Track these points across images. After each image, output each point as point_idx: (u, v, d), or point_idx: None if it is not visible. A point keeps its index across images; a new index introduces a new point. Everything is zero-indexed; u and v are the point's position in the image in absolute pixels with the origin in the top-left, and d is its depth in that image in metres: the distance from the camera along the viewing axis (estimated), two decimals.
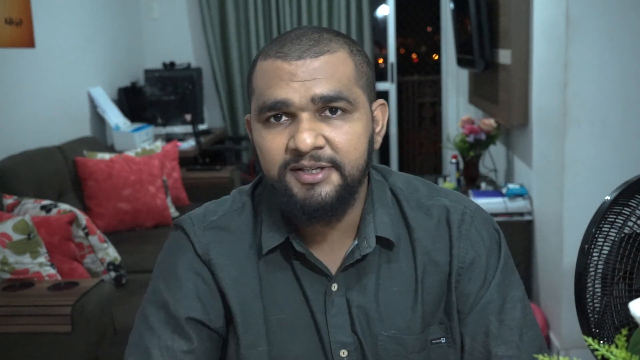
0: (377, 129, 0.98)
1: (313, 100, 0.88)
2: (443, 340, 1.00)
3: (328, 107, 0.90)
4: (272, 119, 0.91)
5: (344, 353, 0.98)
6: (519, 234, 3.07)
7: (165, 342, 0.98)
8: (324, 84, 0.89)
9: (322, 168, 0.90)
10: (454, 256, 0.99)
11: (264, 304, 0.99)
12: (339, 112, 0.90)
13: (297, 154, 0.89)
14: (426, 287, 1.00)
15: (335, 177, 0.91)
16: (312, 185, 0.90)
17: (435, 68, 5.81)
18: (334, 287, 0.98)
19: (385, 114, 1.00)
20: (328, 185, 0.91)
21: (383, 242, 0.99)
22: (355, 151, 0.91)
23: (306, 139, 0.88)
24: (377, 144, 0.99)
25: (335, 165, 0.90)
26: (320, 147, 0.89)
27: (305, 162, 0.89)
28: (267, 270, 1.00)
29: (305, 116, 0.89)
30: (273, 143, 0.91)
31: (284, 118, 0.91)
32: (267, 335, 0.99)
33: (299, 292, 0.99)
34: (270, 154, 0.91)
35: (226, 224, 1.02)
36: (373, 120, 0.97)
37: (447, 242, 1.00)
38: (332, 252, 1.00)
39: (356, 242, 0.99)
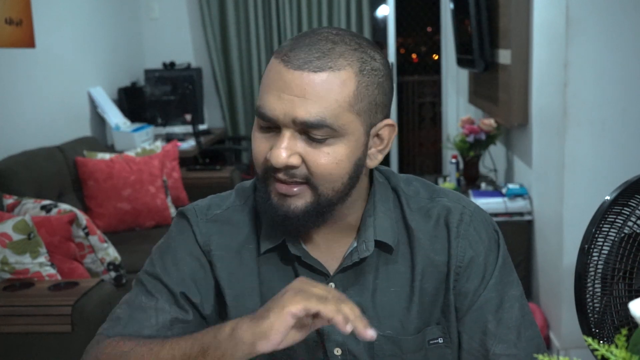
0: (380, 147, 0.97)
1: (294, 122, 0.88)
2: (441, 340, 1.01)
3: (308, 131, 0.89)
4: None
5: (338, 351, 0.99)
6: (519, 234, 3.07)
7: (163, 305, 0.98)
8: (310, 107, 0.87)
9: (296, 183, 0.91)
10: (452, 255, 1.00)
11: (262, 299, 1.00)
12: (321, 135, 0.89)
13: (271, 166, 0.90)
14: (424, 288, 1.00)
15: (307, 194, 0.92)
16: (284, 196, 0.92)
17: (435, 68, 5.81)
18: (331, 285, 0.99)
19: (393, 134, 0.98)
20: (300, 200, 0.92)
21: (382, 246, 0.99)
22: (331, 175, 0.91)
23: (279, 157, 0.89)
24: (377, 161, 0.97)
25: (309, 184, 0.91)
26: (295, 167, 0.90)
27: (280, 175, 0.91)
28: (267, 266, 1.01)
29: (287, 134, 0.89)
30: (259, 147, 0.93)
31: (272, 126, 0.91)
32: None
33: None
34: (256, 156, 0.94)
35: (229, 217, 1.04)
36: (377, 138, 0.95)
37: (445, 242, 1.00)
38: (330, 250, 1.00)
39: (355, 244, 0.99)
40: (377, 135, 0.95)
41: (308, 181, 0.91)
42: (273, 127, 0.91)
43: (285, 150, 0.89)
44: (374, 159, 0.97)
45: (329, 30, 0.93)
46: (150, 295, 0.99)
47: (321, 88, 0.88)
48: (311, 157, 0.89)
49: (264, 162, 0.92)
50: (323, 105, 0.87)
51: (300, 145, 0.90)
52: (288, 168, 0.90)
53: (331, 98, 0.88)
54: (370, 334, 0.80)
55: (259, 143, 0.93)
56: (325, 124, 0.88)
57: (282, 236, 0.98)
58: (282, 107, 0.88)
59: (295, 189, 0.91)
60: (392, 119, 0.98)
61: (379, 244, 0.99)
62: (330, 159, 0.90)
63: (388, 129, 0.96)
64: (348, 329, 0.79)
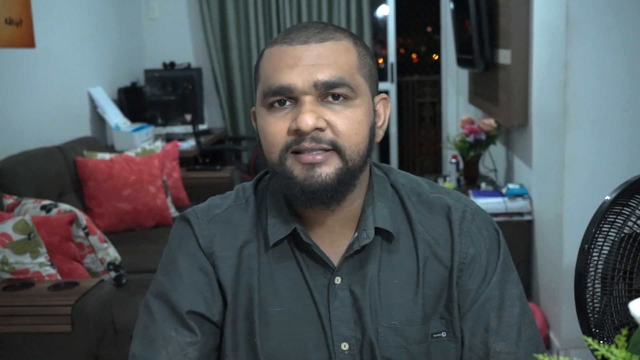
0: (379, 123, 1.01)
1: (316, 85, 0.91)
2: (444, 334, 1.01)
3: (330, 93, 0.92)
4: (276, 104, 0.94)
5: (345, 346, 0.99)
6: (519, 234, 3.06)
7: (169, 333, 0.99)
8: (327, 70, 0.91)
9: (322, 150, 0.92)
10: (455, 252, 1.01)
11: (263, 297, 1.00)
12: (341, 99, 0.93)
13: (298, 135, 0.91)
14: (427, 281, 1.01)
15: (335, 160, 0.93)
16: (312, 165, 0.92)
17: (435, 68, 5.81)
18: (338, 280, 0.99)
19: (387, 109, 1.03)
20: (328, 166, 0.92)
21: (383, 234, 1.01)
22: (357, 136, 0.93)
23: (307, 120, 0.90)
24: (379, 137, 1.01)
25: (336, 148, 0.92)
26: (322, 130, 0.91)
27: (306, 143, 0.91)
28: (270, 263, 1.01)
29: (307, 99, 0.92)
30: (276, 126, 0.93)
31: (287, 103, 0.93)
32: (261, 328, 1.00)
33: (303, 284, 1.00)
34: (273, 137, 0.93)
35: (230, 217, 1.04)
36: (375, 112, 0.99)
37: (448, 238, 1.02)
38: (333, 244, 1.01)
39: (356, 234, 1.00)
40: (375, 110, 0.99)
41: (334, 146, 0.92)
42: (286, 104, 0.93)
43: (311, 114, 0.90)
44: (377, 136, 1.00)
45: (311, 21, 0.99)
46: (155, 323, 1.00)
47: (331, 54, 0.93)
48: (335, 119, 0.92)
49: (285, 138, 0.92)
50: (338, 67, 0.92)
51: (322, 110, 0.92)
52: (316, 131, 0.91)
53: (342, 61, 0.94)
54: None
55: (274, 123, 0.93)
56: (344, 82, 0.92)
57: (294, 224, 0.99)
58: (298, 76, 0.91)
59: (319, 157, 0.92)
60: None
61: (379, 232, 1.00)
62: (352, 120, 0.93)
63: (383, 103, 1.01)
64: None
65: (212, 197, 1.08)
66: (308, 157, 0.92)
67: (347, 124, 0.92)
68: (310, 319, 1.00)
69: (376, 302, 0.99)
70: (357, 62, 0.95)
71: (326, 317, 0.99)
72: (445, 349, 1.01)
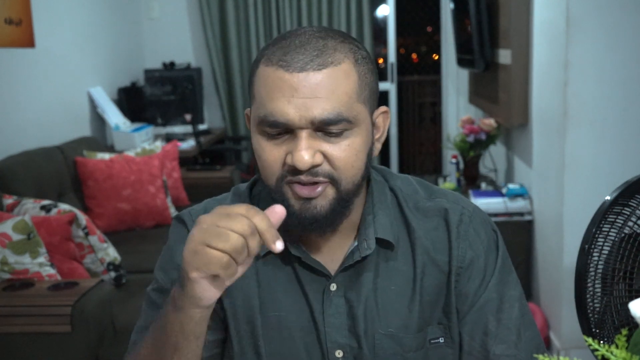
0: (377, 136, 0.98)
1: (312, 122, 0.87)
2: (442, 340, 1.00)
3: (327, 128, 0.89)
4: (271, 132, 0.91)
5: (339, 353, 0.99)
6: (519, 234, 3.07)
7: None
8: (325, 105, 0.87)
9: (319, 182, 0.90)
10: (453, 256, 1.00)
11: (262, 301, 1.00)
12: (340, 130, 0.90)
13: (294, 170, 0.89)
14: (425, 287, 1.00)
15: (330, 192, 0.91)
16: (309, 200, 0.91)
17: (435, 68, 5.80)
18: (333, 287, 0.99)
19: (387, 121, 1.00)
20: (324, 199, 0.91)
21: (382, 243, 0.99)
22: (353, 168, 0.91)
23: (304, 157, 0.87)
24: (377, 150, 0.99)
25: (332, 180, 0.90)
26: (319, 165, 0.89)
27: (302, 177, 0.89)
28: (266, 268, 1.01)
29: (304, 134, 0.88)
30: (271, 155, 0.91)
31: (283, 132, 0.90)
32: (262, 332, 1.00)
33: (299, 290, 1.00)
34: (269, 165, 0.91)
35: None
36: (374, 127, 0.96)
37: (446, 242, 1.00)
38: (330, 251, 1.00)
39: (356, 243, 0.99)
40: (373, 123, 0.96)
41: (331, 178, 0.90)
42: (284, 133, 0.90)
43: (308, 151, 0.87)
44: (374, 149, 0.98)
45: (310, 28, 0.93)
46: (156, 308, 0.99)
47: (329, 84, 0.88)
48: (332, 152, 0.89)
49: (280, 169, 0.90)
50: (336, 100, 0.88)
51: (319, 143, 0.89)
52: (313, 167, 0.89)
53: (341, 91, 0.88)
54: (277, 246, 0.79)
55: (271, 151, 0.90)
56: (342, 118, 0.88)
57: (284, 238, 0.98)
58: (295, 110, 0.87)
59: (318, 189, 0.90)
60: (390, 119, 0.99)
61: (379, 242, 0.99)
62: (350, 151, 0.90)
63: (382, 116, 0.98)
64: (279, 246, 0.79)
65: (208, 199, 1.08)
66: (304, 191, 0.90)
67: (344, 156, 0.90)
68: (306, 325, 0.99)
69: (372, 309, 0.99)
70: (357, 87, 0.90)
71: (321, 324, 0.99)
72: (443, 354, 1.01)
